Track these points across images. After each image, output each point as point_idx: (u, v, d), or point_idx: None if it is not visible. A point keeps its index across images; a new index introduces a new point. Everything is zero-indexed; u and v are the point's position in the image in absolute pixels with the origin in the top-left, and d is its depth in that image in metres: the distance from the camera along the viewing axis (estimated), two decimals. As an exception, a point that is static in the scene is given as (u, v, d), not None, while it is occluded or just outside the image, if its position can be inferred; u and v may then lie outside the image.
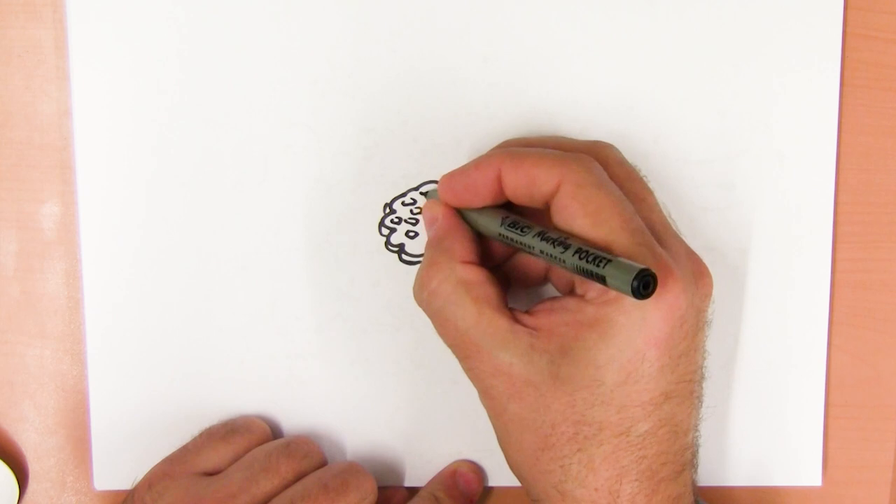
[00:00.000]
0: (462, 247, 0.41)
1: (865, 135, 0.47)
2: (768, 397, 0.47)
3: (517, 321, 0.40)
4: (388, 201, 0.46)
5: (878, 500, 0.49)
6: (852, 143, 0.47)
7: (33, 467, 0.48)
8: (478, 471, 0.47)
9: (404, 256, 0.46)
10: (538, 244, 0.39)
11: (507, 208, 0.42)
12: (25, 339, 0.47)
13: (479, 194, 0.42)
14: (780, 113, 0.46)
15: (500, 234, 0.41)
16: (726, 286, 0.46)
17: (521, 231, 0.40)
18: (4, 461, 0.47)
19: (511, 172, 0.40)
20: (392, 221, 0.46)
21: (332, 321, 0.46)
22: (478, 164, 0.42)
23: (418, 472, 0.47)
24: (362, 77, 0.45)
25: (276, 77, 0.45)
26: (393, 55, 0.45)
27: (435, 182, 0.46)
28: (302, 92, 0.45)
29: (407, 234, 0.46)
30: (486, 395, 0.40)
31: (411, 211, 0.46)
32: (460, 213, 0.43)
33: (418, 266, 0.46)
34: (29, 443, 0.48)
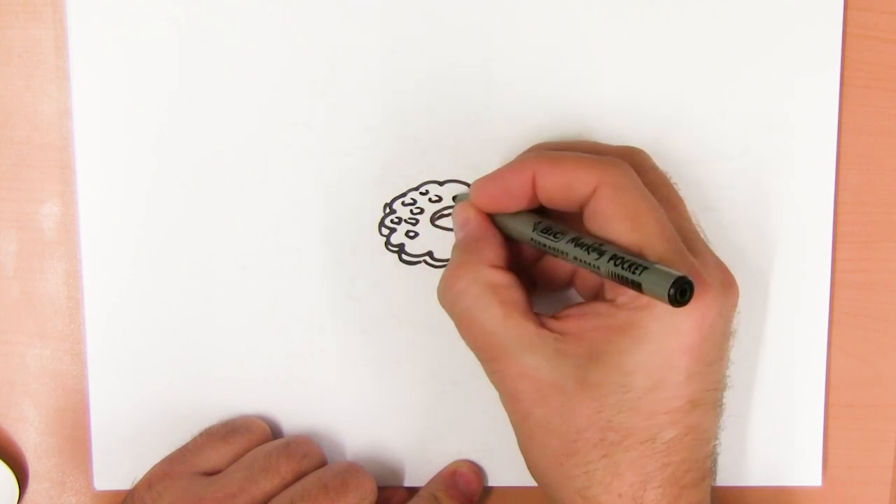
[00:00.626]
0: (491, 250, 0.41)
1: (865, 135, 0.47)
2: (768, 397, 0.47)
3: (544, 326, 0.40)
4: (388, 201, 0.46)
5: (878, 500, 0.49)
6: (852, 143, 0.47)
7: (33, 467, 0.48)
8: (478, 471, 0.47)
9: (404, 256, 0.46)
10: (572, 250, 0.39)
11: (538, 213, 0.42)
12: (25, 339, 0.47)
13: (513, 198, 0.41)
14: (780, 113, 0.46)
15: (532, 240, 0.41)
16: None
17: (555, 237, 0.40)
18: (4, 461, 0.47)
19: (547, 175, 0.40)
20: (392, 221, 0.46)
21: (332, 321, 0.46)
22: (512, 167, 0.41)
23: (418, 472, 0.47)
24: (362, 77, 0.45)
25: (276, 77, 0.45)
26: (393, 55, 0.45)
27: (436, 182, 0.46)
28: (302, 92, 0.45)
29: (407, 234, 0.46)
30: (511, 399, 0.40)
31: (411, 211, 0.46)
32: (492, 218, 0.43)
33: (418, 265, 0.46)
34: (29, 443, 0.48)
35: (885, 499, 0.49)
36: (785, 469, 0.48)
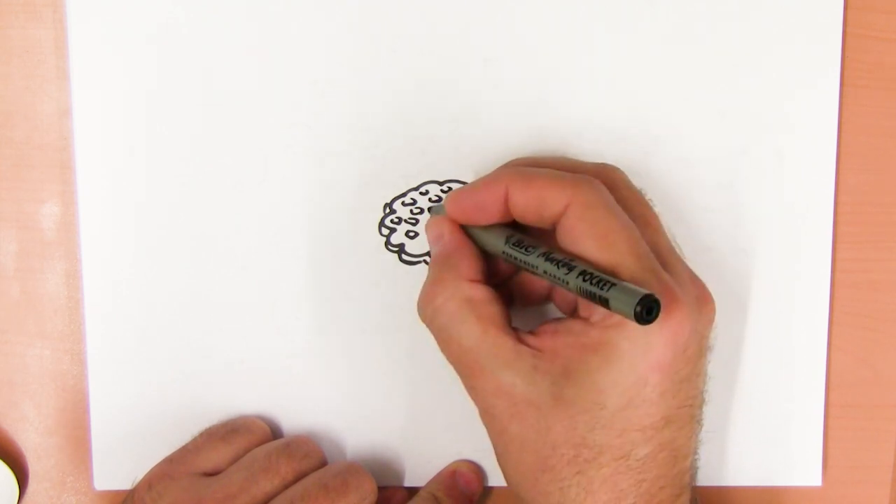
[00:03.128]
0: (468, 265, 0.41)
1: (865, 135, 0.47)
2: (769, 397, 0.48)
3: (521, 341, 0.40)
4: (388, 201, 0.46)
5: (878, 500, 0.49)
6: (852, 143, 0.47)
7: (33, 467, 0.48)
8: (478, 471, 0.47)
9: (404, 256, 0.46)
10: (542, 264, 0.39)
11: (513, 227, 0.42)
12: (25, 339, 0.47)
13: (486, 212, 0.41)
14: (780, 113, 0.46)
15: (504, 253, 0.41)
16: (726, 286, 0.46)
17: (526, 250, 0.40)
18: (4, 461, 0.47)
19: (519, 192, 0.40)
20: (392, 221, 0.46)
21: (332, 321, 0.46)
22: (486, 182, 0.42)
23: (418, 472, 0.47)
24: (362, 77, 0.45)
25: (276, 77, 0.45)
26: (393, 55, 0.45)
27: (436, 182, 0.46)
28: (302, 92, 0.45)
29: (407, 234, 0.46)
30: (487, 415, 0.40)
31: (411, 211, 0.46)
32: (465, 231, 0.43)
33: (417, 265, 0.46)
34: (29, 443, 0.48)
35: (885, 499, 0.49)
36: (785, 469, 0.48)
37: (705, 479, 0.47)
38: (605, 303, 0.36)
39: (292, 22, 0.45)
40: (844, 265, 0.47)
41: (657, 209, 0.42)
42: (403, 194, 0.46)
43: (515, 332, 0.40)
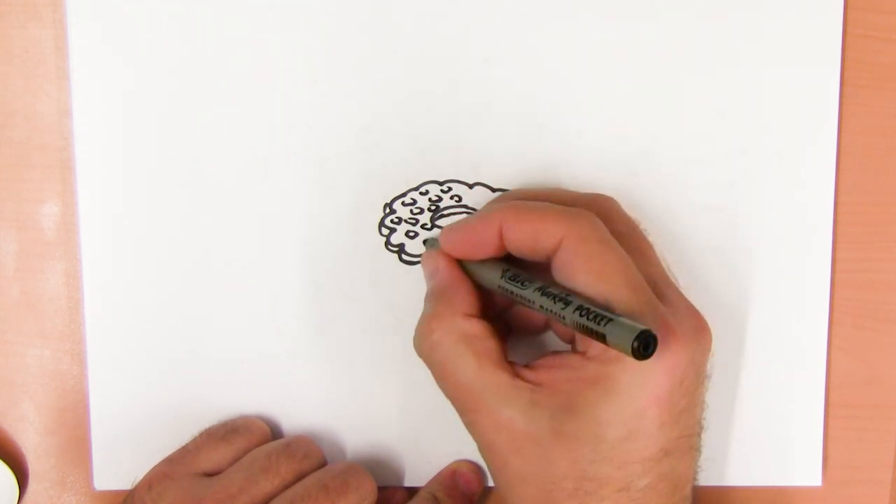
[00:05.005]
0: (463, 299, 0.41)
1: (865, 135, 0.47)
2: (768, 397, 0.47)
3: (518, 376, 0.40)
4: (388, 201, 0.46)
5: (878, 500, 0.49)
6: (852, 143, 0.47)
7: (33, 467, 0.48)
8: (477, 471, 0.47)
9: (404, 256, 0.46)
10: (539, 299, 0.39)
11: (508, 261, 0.42)
12: (25, 339, 0.47)
13: (481, 247, 0.41)
14: (781, 113, 0.46)
15: (500, 287, 0.41)
16: (726, 286, 0.46)
17: (522, 285, 0.40)
18: (4, 461, 0.47)
19: (513, 227, 0.40)
20: (392, 221, 0.46)
21: (332, 321, 0.46)
22: (480, 217, 0.42)
23: (418, 472, 0.47)
24: (362, 77, 0.45)
25: (276, 77, 0.45)
26: (393, 55, 0.45)
27: (436, 182, 0.46)
28: (302, 92, 0.45)
29: (407, 234, 0.46)
30: (488, 450, 0.40)
31: (411, 211, 0.46)
32: (461, 265, 0.43)
33: (418, 265, 0.46)
34: (29, 443, 0.48)
35: (885, 499, 0.49)
36: (785, 469, 0.48)
37: (705, 479, 0.47)
38: (601, 338, 0.36)
39: (292, 22, 0.45)
40: (844, 265, 0.47)
41: (650, 234, 0.42)
42: (403, 194, 0.46)
43: (512, 367, 0.40)
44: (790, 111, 0.46)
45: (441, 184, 0.46)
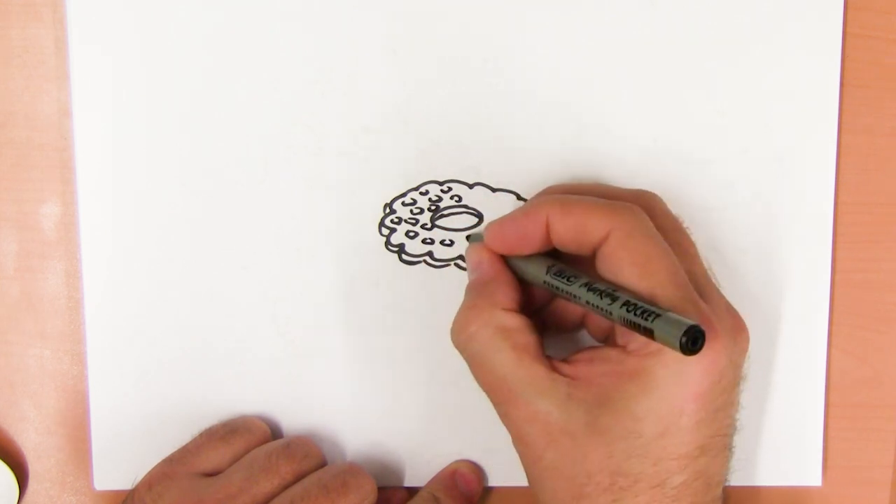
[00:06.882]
0: (504, 293, 0.41)
1: (865, 135, 0.47)
2: (768, 397, 0.47)
3: (555, 370, 0.40)
4: (388, 201, 0.46)
5: (878, 500, 0.49)
6: (852, 143, 0.47)
7: (33, 467, 0.48)
8: (477, 471, 0.47)
9: (404, 256, 0.46)
10: (585, 294, 0.39)
11: (551, 256, 0.42)
12: (25, 339, 0.47)
13: (526, 241, 0.42)
14: (780, 113, 0.46)
15: (545, 283, 0.41)
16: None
17: (568, 280, 0.40)
18: (4, 461, 0.47)
19: (560, 220, 0.40)
20: (392, 221, 0.46)
21: (332, 321, 0.46)
22: (526, 211, 0.42)
23: (418, 472, 0.47)
24: (362, 77, 0.45)
25: (276, 77, 0.45)
26: (393, 55, 0.45)
27: (436, 182, 0.46)
28: (302, 92, 0.45)
29: (407, 234, 0.46)
30: (522, 442, 0.40)
31: (411, 211, 0.46)
32: (505, 260, 0.43)
33: (418, 265, 0.46)
34: (29, 443, 0.48)
35: (885, 499, 0.49)
36: (785, 469, 0.48)
37: (705, 479, 0.47)
38: (649, 333, 0.36)
39: (292, 22, 0.45)
40: (844, 265, 0.47)
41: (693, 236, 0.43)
42: (403, 194, 0.46)
43: (549, 361, 0.40)
44: (790, 111, 0.46)
45: (441, 184, 0.46)
